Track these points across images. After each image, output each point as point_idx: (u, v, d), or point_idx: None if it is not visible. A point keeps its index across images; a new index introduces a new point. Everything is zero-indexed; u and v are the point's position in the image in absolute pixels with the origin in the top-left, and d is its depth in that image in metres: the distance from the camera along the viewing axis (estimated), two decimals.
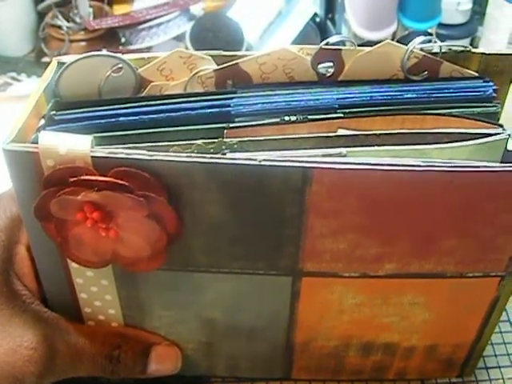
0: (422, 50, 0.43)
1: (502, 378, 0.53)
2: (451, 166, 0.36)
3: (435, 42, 0.43)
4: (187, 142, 0.38)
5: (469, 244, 0.41)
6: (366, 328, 0.47)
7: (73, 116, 0.41)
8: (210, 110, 0.41)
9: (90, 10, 0.89)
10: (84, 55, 0.42)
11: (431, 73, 0.43)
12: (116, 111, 0.41)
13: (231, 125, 0.40)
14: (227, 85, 0.44)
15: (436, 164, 0.36)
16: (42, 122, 0.41)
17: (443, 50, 0.43)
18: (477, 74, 0.43)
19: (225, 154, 0.39)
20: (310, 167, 0.36)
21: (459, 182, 0.37)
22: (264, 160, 0.35)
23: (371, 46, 0.43)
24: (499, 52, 0.44)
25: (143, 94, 0.44)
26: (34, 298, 0.43)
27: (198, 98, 0.42)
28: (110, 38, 0.89)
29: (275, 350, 0.48)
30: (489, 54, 0.43)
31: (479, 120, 0.41)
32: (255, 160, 0.35)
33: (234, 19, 0.87)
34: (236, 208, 0.38)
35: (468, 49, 0.43)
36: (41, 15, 0.92)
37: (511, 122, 0.43)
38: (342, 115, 0.40)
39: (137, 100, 0.42)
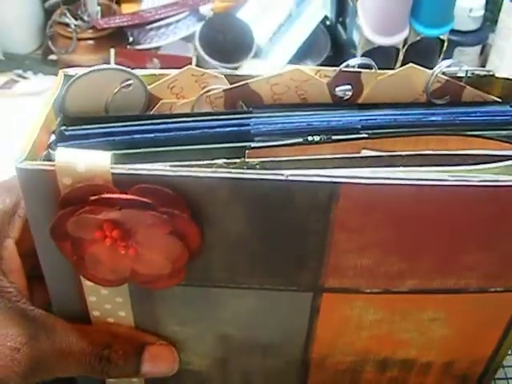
0: (444, 73, 0.42)
1: None
2: (479, 181, 0.36)
3: (461, 66, 0.42)
4: (207, 161, 0.38)
5: (492, 259, 0.40)
6: (384, 344, 0.46)
7: (84, 132, 0.40)
8: (228, 129, 0.40)
9: (99, 8, 0.88)
10: (92, 68, 0.41)
11: (454, 97, 0.43)
12: (130, 128, 0.40)
13: (253, 145, 0.39)
14: (238, 106, 0.43)
15: (463, 179, 0.36)
16: (53, 137, 0.40)
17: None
18: (500, 100, 0.43)
19: None
20: (337, 182, 0.35)
21: (487, 197, 0.36)
22: (291, 175, 0.35)
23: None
24: None
25: (153, 112, 0.43)
26: (21, 296, 0.42)
27: (215, 117, 0.41)
28: (117, 37, 0.88)
29: (290, 366, 0.48)
30: None
31: (505, 141, 0.40)
32: (282, 175, 0.35)
33: (243, 20, 0.86)
34: (258, 224, 0.38)
35: (491, 73, 0.43)
36: (48, 12, 0.91)
37: None
38: (366, 136, 0.40)
39: (150, 118, 0.41)
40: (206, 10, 0.89)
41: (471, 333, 0.46)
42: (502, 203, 0.37)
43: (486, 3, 0.86)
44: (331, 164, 0.38)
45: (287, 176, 0.35)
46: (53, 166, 0.35)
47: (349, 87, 0.43)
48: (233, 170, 0.35)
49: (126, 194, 0.35)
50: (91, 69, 0.41)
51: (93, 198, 0.35)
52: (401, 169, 0.38)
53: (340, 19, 0.89)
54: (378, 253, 0.39)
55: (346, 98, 0.43)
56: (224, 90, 0.42)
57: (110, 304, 0.43)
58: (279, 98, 0.43)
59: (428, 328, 0.45)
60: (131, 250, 0.37)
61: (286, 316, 0.44)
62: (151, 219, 0.35)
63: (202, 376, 0.48)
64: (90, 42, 0.87)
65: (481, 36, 0.88)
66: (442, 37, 0.82)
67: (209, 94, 0.42)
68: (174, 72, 0.42)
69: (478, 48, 0.88)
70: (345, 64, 0.42)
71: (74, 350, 0.43)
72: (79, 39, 0.87)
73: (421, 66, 0.43)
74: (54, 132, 0.40)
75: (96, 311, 0.43)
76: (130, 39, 0.88)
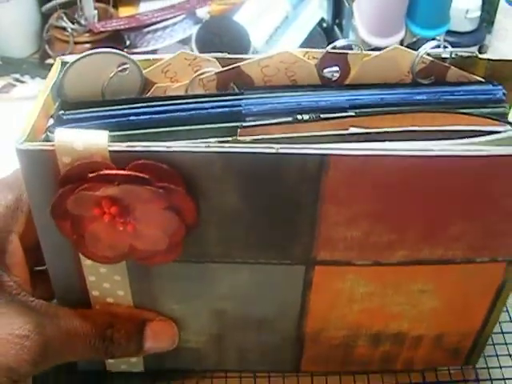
0: (428, 55, 0.43)
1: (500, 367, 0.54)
2: (463, 150, 0.37)
3: (445, 47, 0.43)
4: (200, 140, 0.38)
5: (476, 229, 0.41)
6: (376, 317, 0.48)
7: (82, 116, 0.41)
8: (220, 110, 0.41)
9: (95, 11, 0.88)
10: (89, 52, 0.42)
11: (438, 78, 0.44)
12: (126, 111, 0.41)
13: (244, 124, 0.40)
14: (230, 88, 0.43)
15: (448, 149, 0.37)
16: (51, 121, 0.41)
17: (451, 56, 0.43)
18: (483, 80, 0.44)
19: None
20: (327, 154, 0.36)
21: (470, 166, 0.38)
22: (281, 148, 0.36)
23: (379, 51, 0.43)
24: (505, 58, 0.44)
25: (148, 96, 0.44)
26: (21, 289, 0.43)
27: (208, 99, 0.42)
28: (114, 41, 0.88)
29: (285, 341, 0.49)
30: (495, 60, 0.44)
31: (488, 118, 0.41)
32: (273, 148, 0.36)
33: (240, 23, 0.87)
34: (251, 197, 0.38)
35: (474, 55, 0.44)
36: (45, 16, 0.91)
37: None
38: (353, 114, 0.41)
39: (145, 100, 0.42)
40: (202, 12, 0.89)
41: (460, 304, 0.47)
42: (482, 174, 0.38)
43: (483, 4, 0.86)
44: (320, 140, 0.39)
45: (278, 149, 0.36)
46: (52, 145, 0.36)
47: (336, 68, 0.43)
48: (225, 145, 0.36)
49: (124, 170, 0.36)
50: (88, 52, 0.42)
51: (91, 174, 0.36)
52: (387, 143, 0.39)
53: (336, 21, 0.90)
54: (367, 224, 0.40)
55: (334, 79, 0.44)
56: (216, 73, 0.43)
57: (108, 283, 0.43)
58: (269, 79, 0.43)
59: (418, 300, 0.46)
60: (129, 226, 0.38)
61: (280, 290, 0.44)
62: (148, 194, 0.36)
63: (199, 353, 0.49)
64: (87, 45, 0.87)
65: (477, 37, 0.88)
66: (438, 38, 0.82)
67: (201, 77, 0.43)
68: (167, 56, 0.43)
69: (474, 49, 0.87)
70: (332, 45, 0.42)
71: (79, 332, 0.43)
72: (76, 43, 0.87)
73: None
74: (52, 116, 0.41)
75: (95, 291, 0.44)
76: (127, 42, 0.88)
